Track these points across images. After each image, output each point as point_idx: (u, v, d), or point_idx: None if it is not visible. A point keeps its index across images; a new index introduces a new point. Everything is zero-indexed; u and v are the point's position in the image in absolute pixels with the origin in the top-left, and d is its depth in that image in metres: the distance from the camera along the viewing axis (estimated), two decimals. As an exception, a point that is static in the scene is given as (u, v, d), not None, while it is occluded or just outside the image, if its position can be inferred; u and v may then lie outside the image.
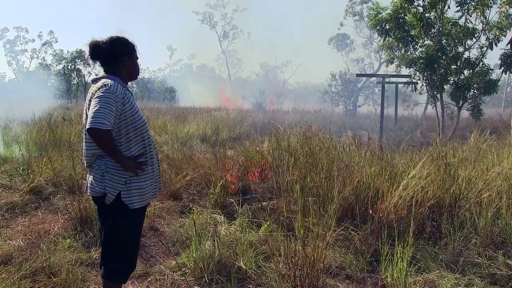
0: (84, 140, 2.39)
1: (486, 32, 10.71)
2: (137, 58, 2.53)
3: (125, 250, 2.42)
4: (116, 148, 2.25)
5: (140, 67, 2.59)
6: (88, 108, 2.24)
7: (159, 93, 40.42)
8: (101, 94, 2.19)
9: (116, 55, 2.40)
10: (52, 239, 3.79)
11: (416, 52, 11.01)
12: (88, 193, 2.43)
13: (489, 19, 10.58)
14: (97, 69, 30.07)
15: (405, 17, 10.68)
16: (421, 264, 3.27)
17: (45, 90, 32.84)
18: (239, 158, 6.32)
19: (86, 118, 2.24)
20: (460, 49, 10.99)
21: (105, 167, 2.31)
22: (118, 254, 2.41)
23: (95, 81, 2.36)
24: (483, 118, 12.39)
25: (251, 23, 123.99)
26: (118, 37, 2.43)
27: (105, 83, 2.26)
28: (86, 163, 2.40)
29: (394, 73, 12.61)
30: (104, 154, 2.30)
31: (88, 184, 2.40)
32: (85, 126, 2.24)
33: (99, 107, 2.14)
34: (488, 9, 10.47)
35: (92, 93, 2.26)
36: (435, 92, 11.09)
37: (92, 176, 2.36)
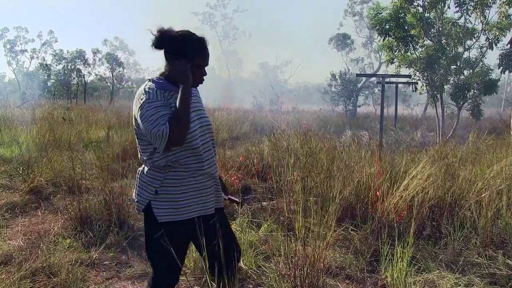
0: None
1: (486, 32, 10.72)
2: (201, 65, 2.07)
3: (157, 261, 2.20)
4: (180, 110, 1.93)
5: (202, 77, 2.11)
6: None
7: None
8: (141, 104, 1.98)
9: (170, 54, 2.05)
10: (52, 239, 3.78)
11: (416, 52, 11.01)
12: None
13: (489, 19, 10.59)
14: (97, 69, 30.08)
15: (405, 17, 10.69)
16: (421, 264, 3.27)
17: (44, 90, 32.83)
18: (239, 158, 6.31)
19: (134, 119, 2.06)
20: (460, 49, 11.00)
21: (140, 174, 2.14)
22: (152, 263, 2.26)
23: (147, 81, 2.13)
24: (483, 118, 12.40)
25: (251, 23, 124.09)
26: (182, 34, 2.03)
27: (145, 90, 2.01)
28: None
29: (394, 73, 12.62)
30: (144, 161, 2.13)
31: None
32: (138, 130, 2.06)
33: (146, 118, 1.92)
34: (488, 9, 10.49)
35: (137, 95, 2.06)
36: (435, 92, 11.10)
37: None
